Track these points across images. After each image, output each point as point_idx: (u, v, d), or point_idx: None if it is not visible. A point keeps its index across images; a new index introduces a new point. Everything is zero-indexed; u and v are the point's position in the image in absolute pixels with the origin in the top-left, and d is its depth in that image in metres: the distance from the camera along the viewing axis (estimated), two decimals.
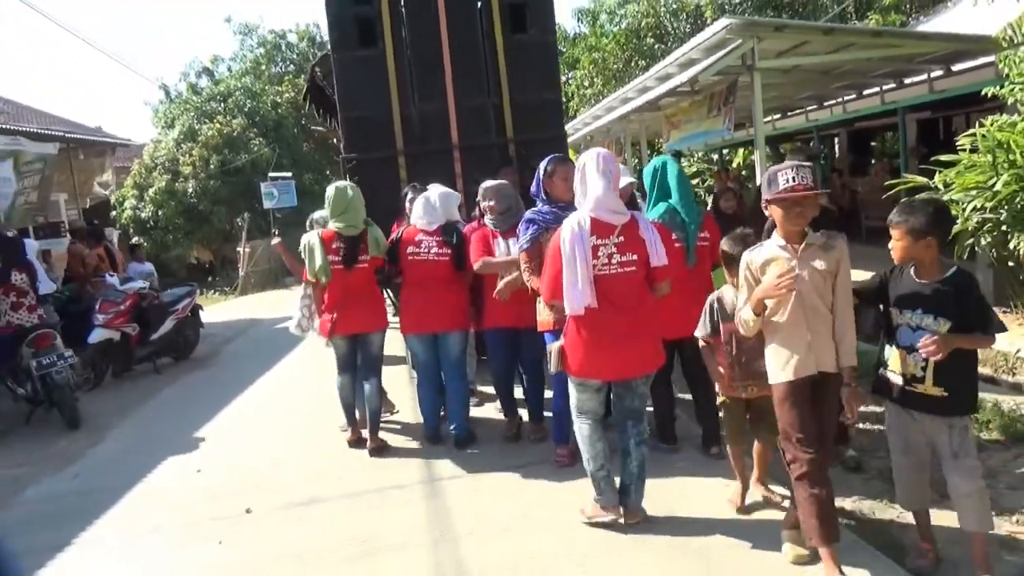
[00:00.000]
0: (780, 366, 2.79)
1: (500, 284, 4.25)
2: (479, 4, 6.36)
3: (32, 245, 7.49)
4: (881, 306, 2.94)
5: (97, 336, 7.41)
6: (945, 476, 2.79)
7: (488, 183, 4.57)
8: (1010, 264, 6.06)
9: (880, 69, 9.60)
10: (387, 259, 4.64)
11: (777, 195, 2.69)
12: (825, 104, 12.16)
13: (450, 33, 6.18)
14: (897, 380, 2.83)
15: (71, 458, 5.33)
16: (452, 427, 4.68)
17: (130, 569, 3.56)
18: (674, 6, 18.12)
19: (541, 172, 3.95)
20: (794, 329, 2.74)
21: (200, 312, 9.31)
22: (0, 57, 60.48)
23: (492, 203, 4.46)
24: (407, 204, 5.08)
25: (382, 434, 4.85)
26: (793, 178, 2.65)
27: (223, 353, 9.33)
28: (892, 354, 2.88)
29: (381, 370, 4.86)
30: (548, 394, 4.42)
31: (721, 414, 3.69)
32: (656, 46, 18.20)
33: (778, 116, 13.87)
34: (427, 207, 4.61)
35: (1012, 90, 6.16)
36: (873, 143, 15.16)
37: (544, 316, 3.98)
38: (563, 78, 23.10)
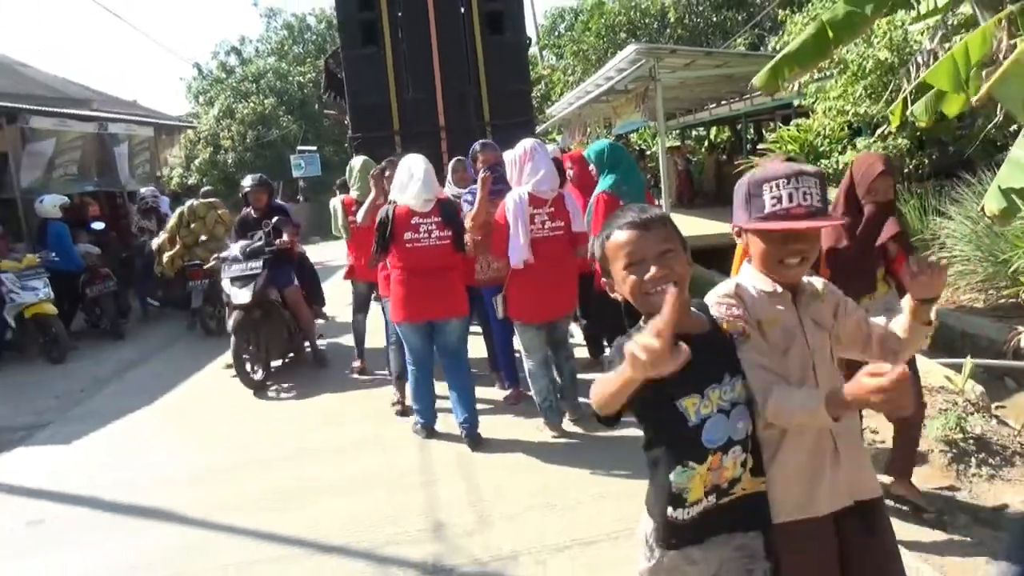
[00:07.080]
0: (789, 495, 1.56)
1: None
2: (463, 10, 7.56)
3: (165, 200, 10.85)
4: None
5: None
6: None
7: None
8: None
9: None
10: (377, 246, 4.15)
11: (761, 223, 1.53)
12: (744, 97, 15.35)
13: (438, 33, 7.38)
14: (692, 512, 1.54)
15: None
16: (463, 421, 4.17)
17: None
18: (644, 5, 21.14)
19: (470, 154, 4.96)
20: (813, 432, 1.55)
21: None
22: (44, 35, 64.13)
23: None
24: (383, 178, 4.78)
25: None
26: (790, 195, 1.50)
27: None
28: (689, 477, 1.52)
29: (364, 309, 5.99)
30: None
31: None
32: (628, 40, 21.26)
33: (714, 105, 17.05)
34: (421, 183, 4.03)
35: (806, 101, 9.52)
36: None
37: (482, 276, 4.62)
38: (549, 64, 26.23)
